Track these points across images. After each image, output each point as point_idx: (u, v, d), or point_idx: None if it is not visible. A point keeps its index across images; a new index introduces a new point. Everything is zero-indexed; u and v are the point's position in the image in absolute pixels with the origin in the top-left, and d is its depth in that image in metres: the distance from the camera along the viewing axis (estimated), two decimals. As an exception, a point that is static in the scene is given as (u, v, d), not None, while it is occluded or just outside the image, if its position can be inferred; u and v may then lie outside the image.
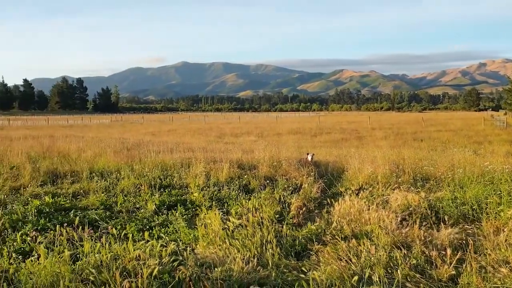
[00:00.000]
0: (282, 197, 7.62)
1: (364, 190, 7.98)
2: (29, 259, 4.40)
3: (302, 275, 4.32)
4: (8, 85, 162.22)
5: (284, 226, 5.74)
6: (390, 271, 4.44)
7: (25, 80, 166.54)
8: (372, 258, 4.61)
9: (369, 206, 6.51)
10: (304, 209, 6.94)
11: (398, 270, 4.21)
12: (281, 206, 7.06)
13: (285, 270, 4.59)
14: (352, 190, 8.10)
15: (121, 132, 36.27)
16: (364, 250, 4.82)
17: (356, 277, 4.03)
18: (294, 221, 6.51)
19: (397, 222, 5.84)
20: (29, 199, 7.78)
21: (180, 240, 5.56)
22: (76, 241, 4.83)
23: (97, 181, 9.19)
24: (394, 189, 7.80)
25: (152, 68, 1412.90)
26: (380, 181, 8.60)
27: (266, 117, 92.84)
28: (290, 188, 8.64)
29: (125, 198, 7.91)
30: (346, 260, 4.63)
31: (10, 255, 4.75)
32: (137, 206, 7.51)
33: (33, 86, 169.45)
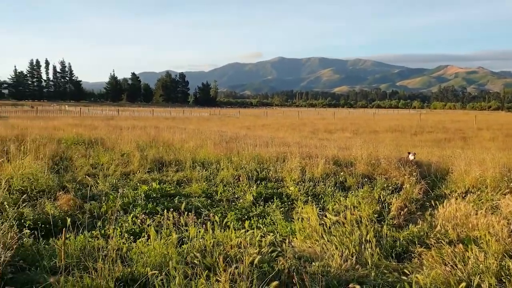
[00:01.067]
0: (381, 197, 7.40)
1: (471, 194, 7.47)
2: (139, 239, 4.77)
3: (404, 277, 4.16)
4: (118, 78, 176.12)
5: (384, 226, 5.57)
6: (502, 280, 4.11)
7: (133, 74, 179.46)
8: (481, 265, 4.30)
9: (476, 210, 6.07)
10: (405, 210, 6.66)
11: (512, 281, 3.88)
12: (380, 206, 6.86)
13: (385, 271, 4.46)
14: (457, 193, 7.61)
15: (218, 125, 37.63)
16: (472, 257, 4.51)
17: (463, 284, 3.78)
18: (394, 221, 6.29)
19: (509, 229, 5.38)
20: (138, 184, 8.40)
21: (277, 232, 5.64)
22: (182, 226, 5.13)
23: (199, 171, 9.64)
24: (505, 194, 7.20)
25: (250, 64, 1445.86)
26: (489, 185, 7.98)
27: (362, 114, 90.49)
28: (390, 187, 8.36)
29: (225, 188, 8.21)
30: (451, 266, 4.38)
31: (122, 235, 5.17)
32: (236, 196, 7.76)
33: (140, 80, 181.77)
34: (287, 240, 5.08)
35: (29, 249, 4.56)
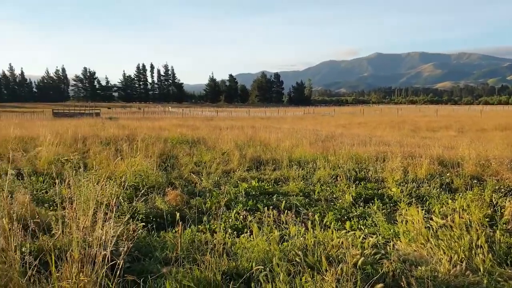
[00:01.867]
0: (493, 200, 6.85)
1: None
2: (242, 235, 4.95)
3: (522, 287, 3.83)
4: (217, 80, 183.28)
5: (497, 231, 5.16)
6: None
7: (230, 76, 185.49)
8: None
9: None
10: (522, 214, 6.10)
11: None
12: (491, 209, 6.36)
13: (499, 279, 4.14)
14: None
15: (313, 124, 37.47)
16: None
17: None
18: (508, 226, 5.79)
19: None
20: (238, 182, 8.68)
21: (379, 234, 5.50)
22: (281, 223, 5.21)
23: (295, 170, 9.71)
24: None
25: (345, 61, 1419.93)
26: None
27: (467, 111, 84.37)
28: (502, 190, 7.70)
29: (322, 187, 8.17)
30: None
31: (226, 230, 5.39)
32: (334, 196, 7.69)
33: (237, 81, 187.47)
34: (390, 243, 4.92)
35: (143, 241, 4.95)
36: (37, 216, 5.13)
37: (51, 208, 6.41)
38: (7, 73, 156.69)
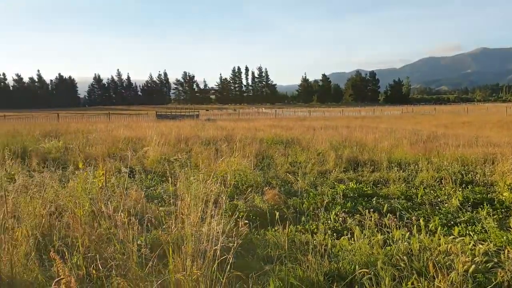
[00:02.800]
0: None
1: None
2: (342, 237, 4.91)
3: None
4: (309, 80, 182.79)
5: None
6: None
7: (323, 75, 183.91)
8: None
9: None
10: None
11: None
12: None
13: None
14: None
15: (412, 123, 35.78)
16: None
17: None
18: None
19: None
20: (335, 183, 8.60)
21: (490, 241, 5.12)
22: (383, 227, 5.07)
23: (395, 172, 9.37)
24: None
25: (446, 57, 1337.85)
26: None
27: None
28: None
29: (425, 191, 7.79)
30: None
31: (325, 231, 5.37)
32: (439, 199, 7.29)
33: (330, 80, 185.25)
34: (504, 251, 4.56)
35: (244, 238, 5.11)
36: (150, 212, 5.55)
37: (160, 204, 6.88)
38: (116, 78, 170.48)
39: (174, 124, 25.87)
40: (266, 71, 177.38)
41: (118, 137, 16.12)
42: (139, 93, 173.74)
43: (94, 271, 3.34)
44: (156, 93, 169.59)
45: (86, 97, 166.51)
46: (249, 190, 7.70)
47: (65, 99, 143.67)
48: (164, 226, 4.75)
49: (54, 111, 66.26)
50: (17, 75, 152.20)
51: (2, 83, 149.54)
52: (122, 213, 4.16)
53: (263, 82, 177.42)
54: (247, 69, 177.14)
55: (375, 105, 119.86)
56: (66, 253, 3.67)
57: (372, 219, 5.23)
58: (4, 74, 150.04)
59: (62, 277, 1.77)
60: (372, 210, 5.72)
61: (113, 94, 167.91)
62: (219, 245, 3.18)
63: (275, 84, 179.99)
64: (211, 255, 3.15)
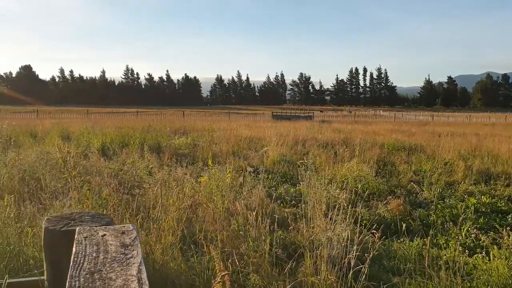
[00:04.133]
0: None
1: None
2: (475, 255, 4.62)
3: None
4: (433, 83, 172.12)
5: None
6: None
7: (449, 78, 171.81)
8: None
9: None
10: None
11: None
12: None
13: None
14: None
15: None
16: None
17: None
18: None
19: None
20: (464, 196, 8.06)
21: None
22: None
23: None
24: None
25: None
26: None
27: None
28: None
29: None
30: None
31: (455, 247, 5.09)
32: None
33: (456, 83, 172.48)
34: None
35: (371, 248, 5.06)
36: (276, 211, 5.77)
37: (282, 204, 7.10)
38: (236, 79, 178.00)
39: (291, 125, 26.25)
40: (386, 72, 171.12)
41: (239, 136, 16.88)
42: (257, 93, 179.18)
43: (230, 266, 3.60)
44: (272, 94, 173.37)
45: (208, 96, 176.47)
46: (371, 198, 7.58)
47: (189, 98, 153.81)
48: (290, 227, 4.93)
49: (179, 109, 71.41)
50: (149, 74, 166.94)
51: (135, 82, 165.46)
52: (253, 212, 4.41)
53: (382, 84, 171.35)
54: (365, 70, 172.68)
55: (508, 112, 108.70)
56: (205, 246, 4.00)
57: (511, 237, 4.83)
58: (137, 74, 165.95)
59: (223, 272, 1.97)
60: (508, 228, 5.28)
61: (232, 94, 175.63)
62: (353, 253, 3.23)
63: (395, 86, 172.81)
64: (345, 263, 3.21)
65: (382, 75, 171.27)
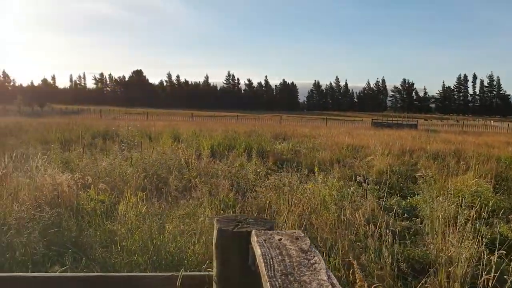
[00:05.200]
0: None
1: None
2: None
3: None
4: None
5: None
6: None
7: None
8: None
9: None
10: None
11: None
12: None
13: None
14: None
15: None
16: None
17: None
18: None
19: None
20: None
21: None
22: None
23: None
24: None
25: None
26: None
27: None
28: None
29: None
30: None
31: None
32: None
33: None
34: None
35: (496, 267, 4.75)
36: (389, 224, 5.65)
37: (393, 216, 6.90)
38: (334, 85, 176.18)
39: (394, 133, 25.32)
40: (498, 80, 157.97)
41: (340, 143, 16.70)
42: (355, 99, 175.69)
43: (351, 276, 3.61)
44: (371, 100, 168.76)
45: (305, 102, 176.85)
46: (490, 215, 7.07)
47: (286, 103, 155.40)
48: (408, 241, 4.80)
49: (276, 114, 72.44)
50: (248, 80, 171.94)
51: (236, 87, 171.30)
52: (368, 223, 4.38)
53: (493, 92, 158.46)
54: (474, 77, 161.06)
55: None
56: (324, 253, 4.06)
57: None
58: (238, 79, 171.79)
59: (362, 282, 2.00)
60: None
61: (329, 100, 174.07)
62: (492, 273, 3.07)
63: (509, 95, 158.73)
64: (480, 283, 3.07)
65: (494, 83, 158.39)
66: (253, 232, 1.55)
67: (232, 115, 56.25)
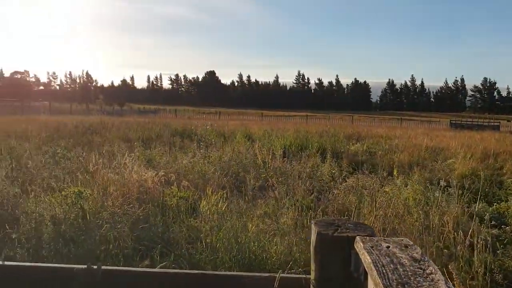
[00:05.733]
0: None
1: None
2: None
3: None
4: None
5: None
6: None
7: None
8: None
9: None
10: None
11: None
12: None
13: None
14: None
15: None
16: None
17: None
18: None
19: None
20: None
21: None
22: None
23: None
24: None
25: None
26: None
27: None
28: None
29: None
30: None
31: None
32: None
33: None
34: None
35: None
36: (478, 232, 5.32)
37: (479, 224, 6.49)
38: (409, 84, 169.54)
39: (475, 135, 23.84)
40: None
41: (418, 145, 16.01)
42: (431, 99, 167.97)
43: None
44: (449, 100, 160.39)
45: (378, 102, 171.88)
46: None
47: (358, 103, 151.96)
48: (499, 251, 4.49)
49: (347, 114, 71.11)
50: (319, 79, 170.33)
51: (305, 87, 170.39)
52: (460, 230, 4.14)
53: None
54: None
55: None
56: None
57: None
58: (308, 79, 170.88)
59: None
60: None
61: (404, 99, 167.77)
62: None
63: None
64: None
65: None
66: (358, 238, 1.51)
67: (302, 115, 55.99)
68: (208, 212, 4.44)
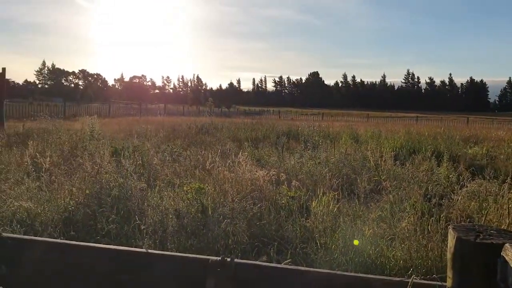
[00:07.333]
0: None
1: None
2: None
3: None
4: None
5: None
6: None
7: None
8: None
9: None
10: None
11: None
12: None
13: None
14: None
15: None
16: None
17: None
18: None
19: None
20: None
21: None
22: None
23: None
24: None
25: None
26: None
27: None
28: None
29: None
30: None
31: None
32: None
33: None
34: None
35: None
36: None
37: None
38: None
39: None
40: None
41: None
42: None
43: None
44: None
45: (497, 102, 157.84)
46: None
47: (474, 103, 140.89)
48: None
49: (462, 115, 66.15)
50: (430, 78, 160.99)
51: (415, 86, 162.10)
52: None
53: None
54: None
55: None
56: None
57: None
58: (418, 78, 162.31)
59: None
60: None
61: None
62: None
63: None
64: None
65: None
66: (507, 245, 1.39)
67: (411, 116, 53.27)
68: (320, 213, 4.41)
